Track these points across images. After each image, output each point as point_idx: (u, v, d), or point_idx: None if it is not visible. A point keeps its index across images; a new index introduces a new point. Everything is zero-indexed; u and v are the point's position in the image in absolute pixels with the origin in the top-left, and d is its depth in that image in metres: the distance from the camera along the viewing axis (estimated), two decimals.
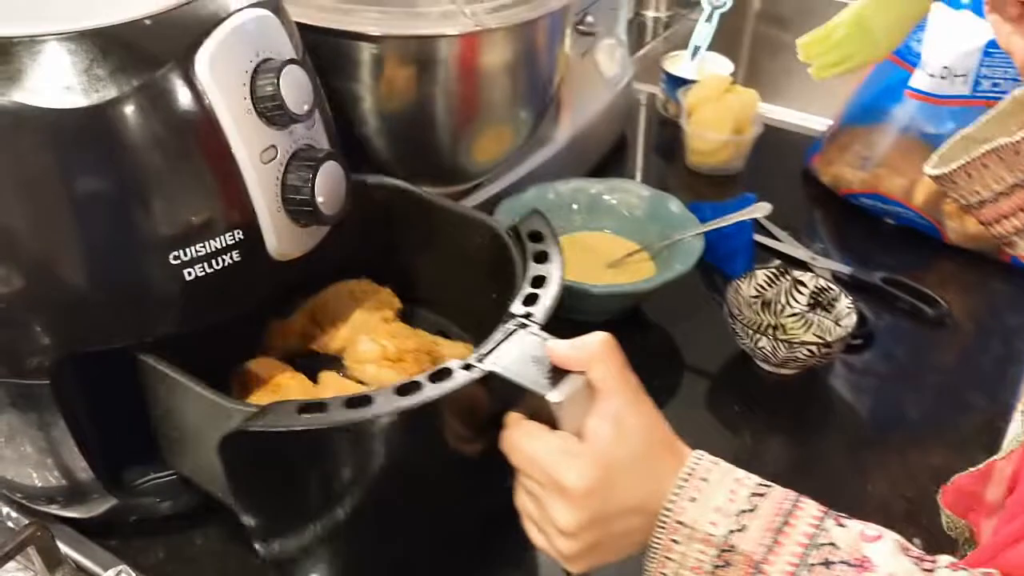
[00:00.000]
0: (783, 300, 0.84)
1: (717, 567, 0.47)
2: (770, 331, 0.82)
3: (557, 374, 0.50)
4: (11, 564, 0.61)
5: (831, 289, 0.81)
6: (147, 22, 0.50)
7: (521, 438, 0.51)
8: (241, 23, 0.53)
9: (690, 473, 0.49)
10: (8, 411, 0.57)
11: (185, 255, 0.53)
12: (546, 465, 0.49)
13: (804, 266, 0.92)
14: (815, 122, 1.18)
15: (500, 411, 0.53)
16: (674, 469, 0.49)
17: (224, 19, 0.52)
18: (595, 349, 0.50)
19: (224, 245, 0.54)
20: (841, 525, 0.47)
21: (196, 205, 0.53)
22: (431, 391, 0.50)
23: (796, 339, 0.81)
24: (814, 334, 0.82)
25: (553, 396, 0.49)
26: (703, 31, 1.20)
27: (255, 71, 0.53)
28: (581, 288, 0.78)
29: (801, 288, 0.83)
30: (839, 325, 0.80)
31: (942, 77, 0.90)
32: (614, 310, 0.84)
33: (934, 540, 0.65)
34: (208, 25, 0.52)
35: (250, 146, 0.53)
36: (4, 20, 0.49)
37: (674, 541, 0.48)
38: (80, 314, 0.53)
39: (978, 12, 0.88)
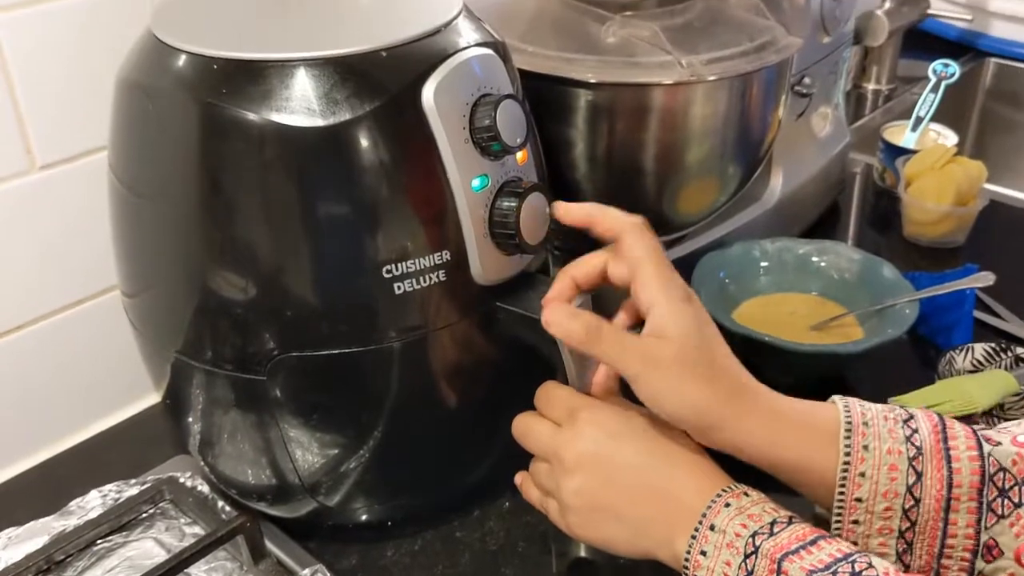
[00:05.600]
0: None
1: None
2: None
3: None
4: (221, 552, 0.66)
5: None
6: (383, 53, 0.55)
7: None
8: (466, 59, 0.57)
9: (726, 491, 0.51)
10: (233, 410, 0.62)
11: (397, 270, 0.56)
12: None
13: None
14: None
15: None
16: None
17: (451, 55, 0.56)
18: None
19: (433, 264, 0.57)
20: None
21: (412, 224, 0.57)
22: None
23: (1013, 420, 0.75)
24: None
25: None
26: (928, 101, 1.16)
27: (475, 103, 0.57)
28: (784, 345, 0.76)
29: None
30: None
31: None
32: (816, 373, 0.81)
33: None
34: (436, 59, 0.56)
35: (464, 173, 0.57)
36: (258, 45, 0.55)
37: (702, 553, 0.49)
38: (300, 319, 0.57)
39: None
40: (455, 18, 0.59)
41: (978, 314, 0.89)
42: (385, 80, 0.55)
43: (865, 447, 0.50)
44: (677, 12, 0.79)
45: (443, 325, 0.60)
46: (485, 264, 0.59)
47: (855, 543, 0.50)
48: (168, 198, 0.58)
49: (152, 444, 0.77)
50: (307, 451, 0.62)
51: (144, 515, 0.70)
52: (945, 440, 0.50)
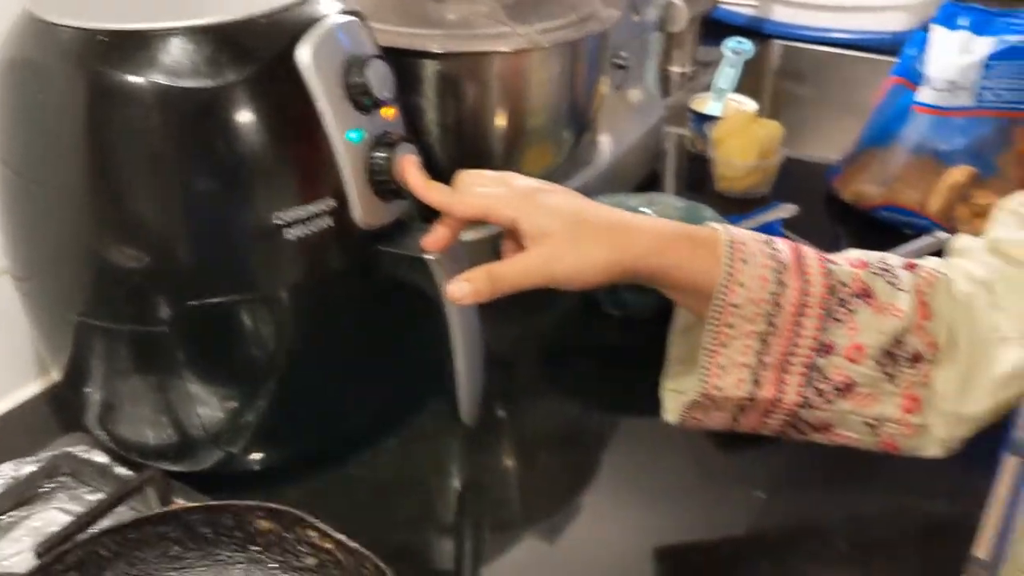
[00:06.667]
0: None
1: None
2: None
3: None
4: (127, 514, 0.68)
5: None
6: (260, 20, 0.61)
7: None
8: (335, 24, 0.63)
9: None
10: (136, 368, 0.66)
11: (286, 218, 0.62)
12: None
13: None
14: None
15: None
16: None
17: (320, 19, 0.63)
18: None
19: (319, 211, 0.63)
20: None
21: (298, 174, 0.63)
22: None
23: None
24: None
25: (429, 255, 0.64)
26: (727, 74, 1.30)
27: (347, 62, 0.63)
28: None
29: None
30: None
31: (948, 91, 0.99)
32: (653, 305, 0.91)
33: None
34: (308, 24, 0.62)
35: (341, 126, 0.63)
36: (140, 16, 0.60)
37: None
38: (200, 271, 0.62)
39: (975, 31, 0.98)
40: None
41: None
42: (264, 43, 0.60)
43: (744, 260, 0.60)
44: None
45: (332, 269, 0.66)
46: (366, 210, 0.65)
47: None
48: (61, 171, 0.62)
49: (40, 429, 0.78)
50: (210, 401, 0.67)
51: (44, 490, 0.72)
52: (800, 259, 0.61)
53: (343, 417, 0.74)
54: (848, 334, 0.60)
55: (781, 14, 1.68)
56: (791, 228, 1.04)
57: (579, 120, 0.95)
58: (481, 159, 0.88)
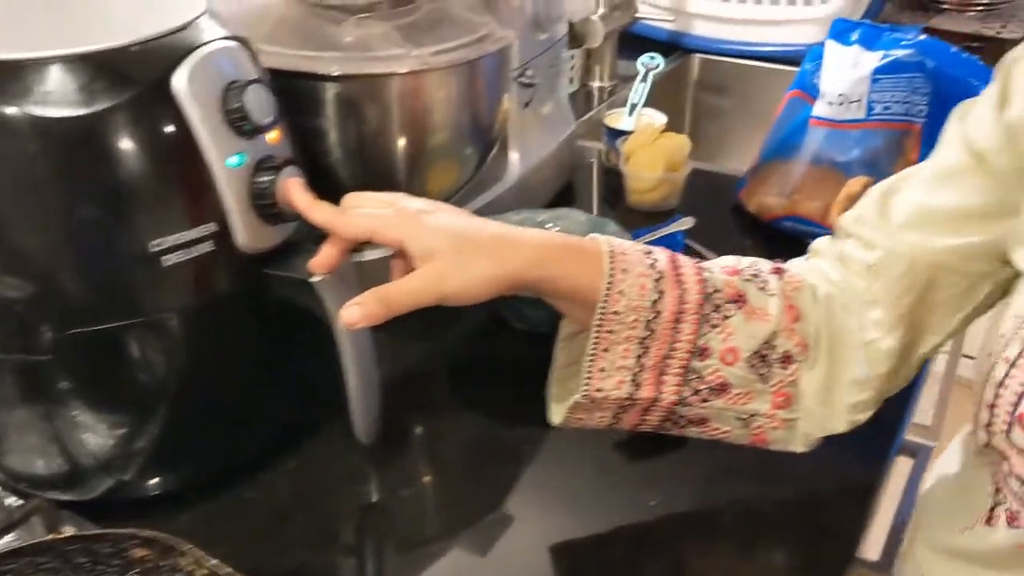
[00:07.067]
0: None
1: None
2: None
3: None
4: (14, 543, 0.68)
5: None
6: (134, 48, 0.61)
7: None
8: (214, 50, 0.63)
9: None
10: (19, 406, 0.66)
11: (164, 244, 0.62)
12: None
13: None
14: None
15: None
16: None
17: (199, 46, 0.63)
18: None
19: (198, 237, 0.63)
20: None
21: (173, 200, 0.63)
22: None
23: None
24: None
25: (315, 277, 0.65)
26: (639, 89, 1.32)
27: (225, 88, 0.63)
28: (528, 296, 0.87)
29: None
30: None
31: (840, 104, 1.01)
32: (554, 319, 0.92)
33: None
34: (185, 51, 0.62)
35: (221, 151, 0.63)
36: (14, 45, 0.60)
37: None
38: (79, 298, 0.62)
39: (865, 45, 1.01)
40: (200, 16, 0.66)
41: None
42: (140, 70, 0.61)
43: (624, 270, 0.61)
44: (405, 13, 0.88)
45: (218, 293, 0.66)
46: (250, 234, 0.66)
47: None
48: None
49: None
50: (98, 428, 0.66)
51: None
52: (677, 268, 0.63)
53: (238, 440, 0.74)
54: (723, 338, 0.62)
55: (701, 28, 1.71)
56: (698, 240, 1.07)
57: (483, 138, 0.96)
58: (384, 180, 0.88)
